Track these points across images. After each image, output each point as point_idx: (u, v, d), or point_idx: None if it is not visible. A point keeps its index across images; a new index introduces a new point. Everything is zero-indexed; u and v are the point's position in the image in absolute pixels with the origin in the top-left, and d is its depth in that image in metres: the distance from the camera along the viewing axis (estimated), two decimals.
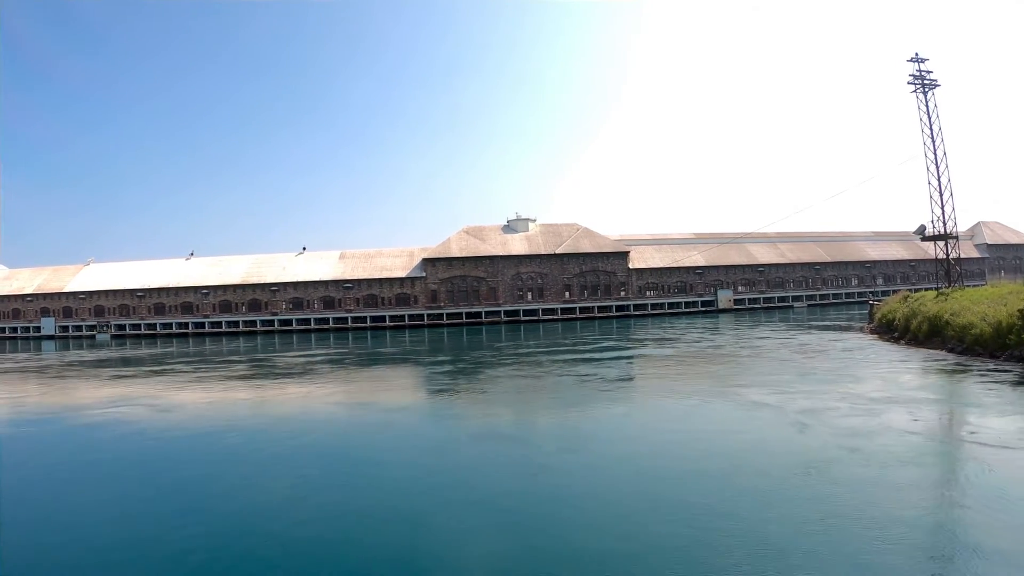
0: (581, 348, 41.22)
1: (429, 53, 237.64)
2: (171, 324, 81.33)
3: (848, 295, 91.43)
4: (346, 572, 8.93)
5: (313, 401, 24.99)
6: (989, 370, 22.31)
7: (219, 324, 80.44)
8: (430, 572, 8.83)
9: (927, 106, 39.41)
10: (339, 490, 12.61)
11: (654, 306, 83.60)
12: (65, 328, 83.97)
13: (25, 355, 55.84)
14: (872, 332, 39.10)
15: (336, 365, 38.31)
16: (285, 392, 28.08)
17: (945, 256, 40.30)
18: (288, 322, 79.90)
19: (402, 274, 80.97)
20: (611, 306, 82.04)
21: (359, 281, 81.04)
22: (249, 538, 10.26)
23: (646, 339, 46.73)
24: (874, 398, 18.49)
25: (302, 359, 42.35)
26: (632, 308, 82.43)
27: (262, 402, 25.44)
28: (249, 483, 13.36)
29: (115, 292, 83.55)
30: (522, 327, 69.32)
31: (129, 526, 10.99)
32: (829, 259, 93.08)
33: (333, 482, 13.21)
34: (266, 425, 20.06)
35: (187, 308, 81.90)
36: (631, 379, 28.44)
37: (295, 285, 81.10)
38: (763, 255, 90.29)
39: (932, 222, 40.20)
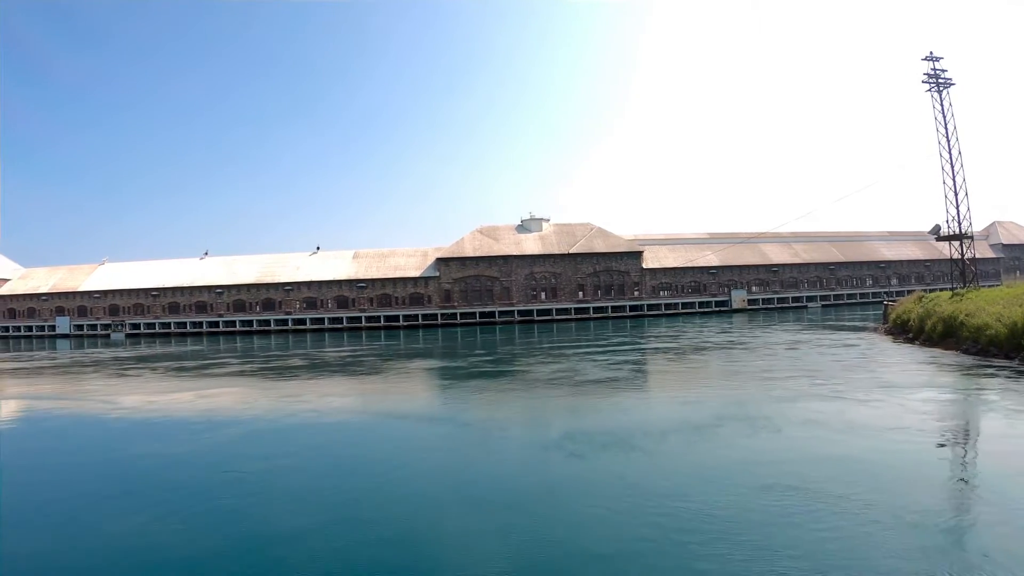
0: (599, 343, 41.44)
1: (440, 53, 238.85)
2: (185, 323, 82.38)
3: (863, 295, 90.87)
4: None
5: (394, 385, 28.94)
6: (1004, 369, 22.22)
7: (233, 323, 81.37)
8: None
9: (942, 105, 39.16)
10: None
11: (668, 306, 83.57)
12: (80, 327, 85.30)
13: (44, 352, 56.67)
14: (886, 332, 38.90)
15: (381, 359, 40.72)
16: (362, 378, 31.39)
17: (960, 256, 40.04)
18: (302, 321, 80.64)
19: (416, 274, 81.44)
20: (624, 306, 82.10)
21: (373, 281, 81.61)
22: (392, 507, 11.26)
23: (650, 336, 47.22)
24: (886, 395, 18.52)
25: (345, 353, 45.01)
26: (646, 308, 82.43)
27: (351, 385, 29.22)
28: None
29: (130, 291, 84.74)
30: (535, 327, 69.46)
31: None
32: (843, 259, 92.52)
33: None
34: (375, 402, 23.97)
35: (201, 307, 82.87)
36: (648, 371, 28.63)
37: (309, 285, 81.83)
38: (777, 255, 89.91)
39: (947, 222, 39.90)
